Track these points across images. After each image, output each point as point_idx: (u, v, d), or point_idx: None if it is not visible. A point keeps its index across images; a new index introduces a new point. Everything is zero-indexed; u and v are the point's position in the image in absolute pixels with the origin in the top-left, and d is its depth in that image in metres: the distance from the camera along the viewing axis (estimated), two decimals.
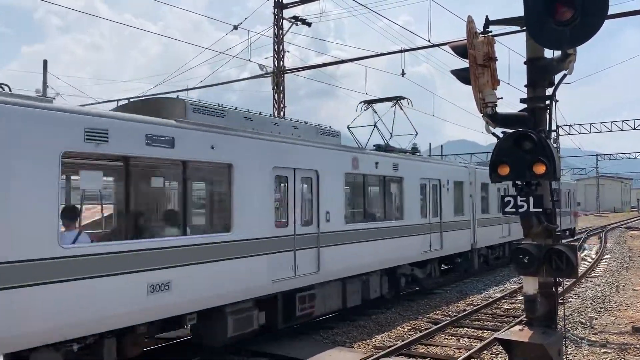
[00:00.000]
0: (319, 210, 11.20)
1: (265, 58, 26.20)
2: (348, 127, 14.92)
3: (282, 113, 26.43)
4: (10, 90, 6.95)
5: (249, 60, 25.08)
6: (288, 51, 26.59)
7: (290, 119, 12.09)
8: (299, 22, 26.49)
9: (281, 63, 26.19)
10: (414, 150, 16.04)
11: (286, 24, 26.35)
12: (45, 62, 31.22)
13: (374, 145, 14.28)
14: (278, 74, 26.18)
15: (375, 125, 15.03)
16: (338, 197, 11.89)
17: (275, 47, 26.10)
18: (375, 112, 15.29)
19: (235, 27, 24.79)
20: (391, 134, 15.12)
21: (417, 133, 15.73)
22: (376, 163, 13.36)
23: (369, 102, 15.48)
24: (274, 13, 26.12)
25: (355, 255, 12.33)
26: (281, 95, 26.37)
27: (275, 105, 26.52)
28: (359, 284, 12.83)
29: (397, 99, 15.34)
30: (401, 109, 15.34)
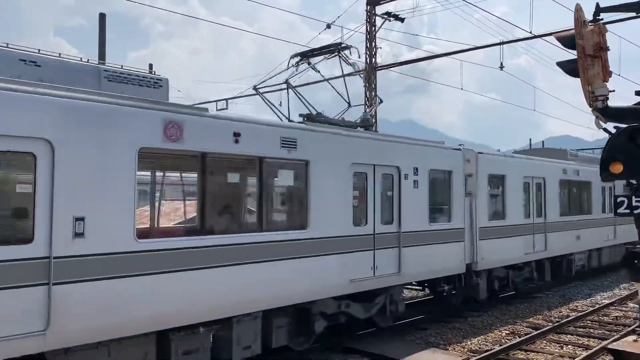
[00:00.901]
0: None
1: (358, 55, 26.28)
2: (255, 88, 11.19)
3: (374, 111, 26.39)
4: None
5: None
6: (380, 47, 26.51)
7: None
8: (391, 18, 26.31)
9: (373, 60, 26.15)
10: (365, 124, 11.41)
11: (378, 21, 26.24)
12: (150, 65, 33.27)
13: (300, 115, 10.40)
14: (370, 71, 26.13)
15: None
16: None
17: (368, 44, 26.09)
18: (316, 70, 11.55)
19: (329, 26, 24.87)
20: (349, 103, 11.48)
21: (381, 101, 14.19)
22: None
23: (303, 55, 11.41)
24: (366, 10, 26.13)
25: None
26: (373, 92, 26.28)
27: (367, 102, 26.47)
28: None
29: (337, 48, 11.24)
30: (347, 62, 11.52)
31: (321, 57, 11.44)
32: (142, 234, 7.28)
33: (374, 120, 11.65)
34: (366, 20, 26.02)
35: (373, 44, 26.05)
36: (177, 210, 12.41)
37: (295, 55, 11.54)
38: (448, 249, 12.15)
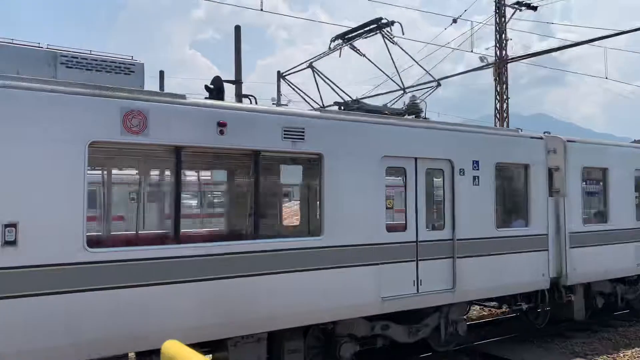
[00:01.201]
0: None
1: (486, 49, 25.72)
2: (281, 74, 9.37)
3: (504, 105, 25.55)
4: (256, 101, 7.55)
5: (472, 51, 24.44)
6: (510, 39, 25.54)
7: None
8: (522, 7, 25.04)
9: (503, 52, 25.31)
10: (412, 110, 9.43)
11: (508, 11, 25.26)
12: (278, 72, 33.29)
13: (335, 103, 9.07)
14: (500, 64, 25.27)
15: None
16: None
17: (497, 36, 25.31)
18: (359, 53, 9.82)
19: (455, 20, 24.52)
20: (403, 88, 9.61)
21: (438, 84, 9.80)
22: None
23: (344, 38, 9.82)
24: (495, 1, 25.29)
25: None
26: (504, 86, 25.45)
27: (498, 97, 25.66)
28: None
29: (379, 25, 9.34)
30: (391, 41, 9.46)
31: (360, 37, 9.83)
32: (95, 243, 6.32)
33: (422, 109, 9.90)
34: (495, 11, 25.27)
35: (503, 35, 25.23)
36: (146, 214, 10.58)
37: (335, 37, 10.09)
38: (524, 259, 9.84)
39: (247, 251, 6.83)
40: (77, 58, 6.44)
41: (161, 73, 15.35)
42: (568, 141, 11.02)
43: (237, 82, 14.79)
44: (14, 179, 5.51)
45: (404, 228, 8.40)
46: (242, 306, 6.72)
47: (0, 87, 5.50)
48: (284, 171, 8.16)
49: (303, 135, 7.35)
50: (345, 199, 7.71)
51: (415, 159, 8.57)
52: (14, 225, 5.46)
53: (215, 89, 7.38)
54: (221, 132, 6.70)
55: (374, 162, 8.04)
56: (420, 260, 8.43)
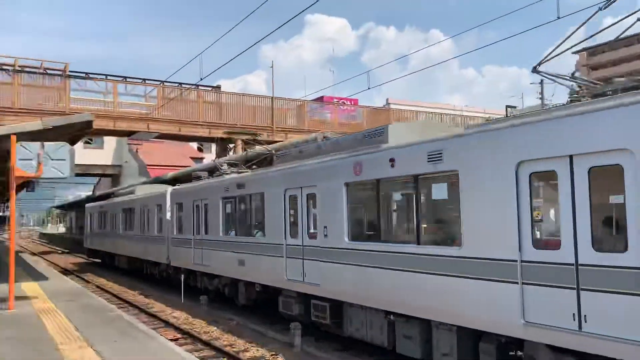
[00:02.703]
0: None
1: None
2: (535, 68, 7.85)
3: None
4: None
5: None
6: None
7: None
8: None
9: None
10: None
11: None
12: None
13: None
14: None
15: None
16: None
17: None
18: None
19: None
20: None
21: None
22: None
23: None
24: None
25: None
26: None
27: None
28: None
29: None
30: None
31: None
32: None
33: None
34: None
35: None
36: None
37: None
38: None
39: (413, 253, 8.64)
40: None
41: None
42: None
43: None
44: None
45: (557, 246, 6.81)
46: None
47: None
48: (434, 189, 8.89)
49: (441, 157, 8.27)
50: (481, 212, 7.57)
51: (570, 157, 6.60)
52: None
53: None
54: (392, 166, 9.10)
55: (511, 169, 7.18)
56: (583, 289, 6.44)
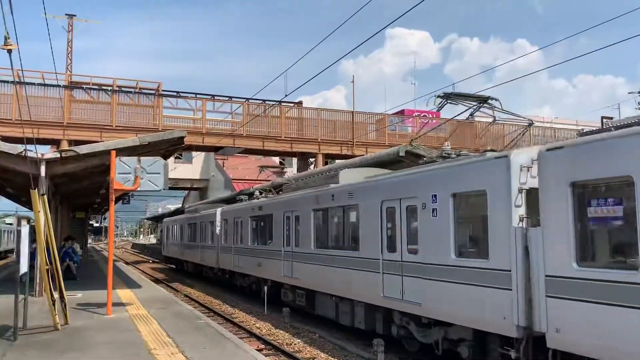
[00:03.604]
0: None
1: None
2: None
3: None
4: None
5: None
6: None
7: None
8: None
9: None
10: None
11: None
12: None
13: None
14: None
15: None
16: None
17: None
18: None
19: None
20: None
21: None
22: None
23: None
24: None
25: None
26: None
27: None
28: None
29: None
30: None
31: None
32: None
33: None
34: None
35: None
36: None
37: None
38: None
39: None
40: None
41: None
42: None
43: None
44: None
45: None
46: None
47: None
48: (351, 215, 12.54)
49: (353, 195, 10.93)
50: (365, 229, 8.21)
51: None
52: None
53: None
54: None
55: (377, 204, 7.85)
56: None
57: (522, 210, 7.91)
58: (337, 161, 28.70)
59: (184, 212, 38.34)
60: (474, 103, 11.56)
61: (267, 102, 30.75)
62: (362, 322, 12.45)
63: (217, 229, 24.69)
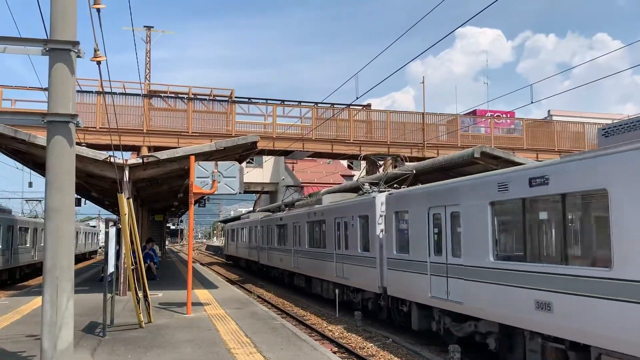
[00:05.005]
0: None
1: None
2: None
3: None
4: None
5: None
6: None
7: None
8: None
9: None
10: None
11: None
12: None
13: None
14: None
15: None
16: None
17: None
18: None
19: None
20: None
21: None
22: None
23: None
24: None
25: None
26: None
27: None
28: None
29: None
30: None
31: None
32: None
33: None
34: None
35: None
36: None
37: None
38: None
39: None
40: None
41: None
42: None
43: None
44: None
45: None
46: None
47: None
48: None
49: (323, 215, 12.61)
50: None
51: None
52: None
53: None
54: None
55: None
56: None
57: (382, 226, 14.79)
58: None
59: (240, 219, 45.69)
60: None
61: (335, 105, 30.90)
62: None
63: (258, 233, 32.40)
